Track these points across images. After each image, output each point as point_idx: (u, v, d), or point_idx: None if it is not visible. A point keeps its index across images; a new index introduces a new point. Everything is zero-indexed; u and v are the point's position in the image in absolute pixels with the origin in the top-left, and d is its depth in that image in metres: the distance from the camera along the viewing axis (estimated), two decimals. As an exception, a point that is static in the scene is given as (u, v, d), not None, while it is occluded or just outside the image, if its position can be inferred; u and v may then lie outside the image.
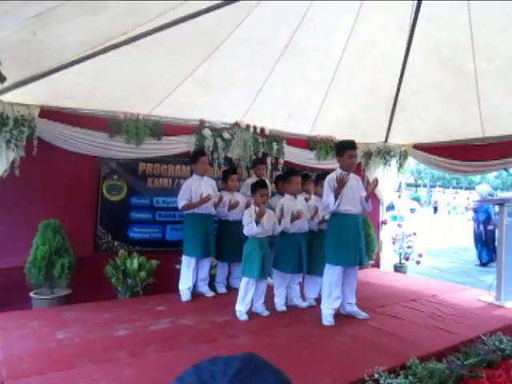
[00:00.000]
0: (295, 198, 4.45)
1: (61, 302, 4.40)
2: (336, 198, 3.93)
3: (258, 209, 3.98)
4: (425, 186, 30.36)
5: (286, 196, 4.49)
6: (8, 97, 4.19)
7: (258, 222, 3.93)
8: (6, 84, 4.00)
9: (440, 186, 32.91)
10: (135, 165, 5.33)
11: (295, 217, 4.20)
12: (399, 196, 11.50)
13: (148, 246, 5.39)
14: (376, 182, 4.09)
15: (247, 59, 4.93)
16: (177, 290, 4.74)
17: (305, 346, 3.42)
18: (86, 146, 4.79)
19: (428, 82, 5.45)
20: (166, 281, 4.99)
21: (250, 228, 3.97)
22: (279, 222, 4.15)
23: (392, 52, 5.20)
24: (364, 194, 4.16)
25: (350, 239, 3.99)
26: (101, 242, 5.17)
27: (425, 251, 9.92)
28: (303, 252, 4.34)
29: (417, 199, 28.16)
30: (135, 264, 4.74)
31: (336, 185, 3.92)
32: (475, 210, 10.21)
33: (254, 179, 5.24)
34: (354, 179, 4.17)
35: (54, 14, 3.17)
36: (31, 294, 4.37)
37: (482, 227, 9.62)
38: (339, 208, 3.98)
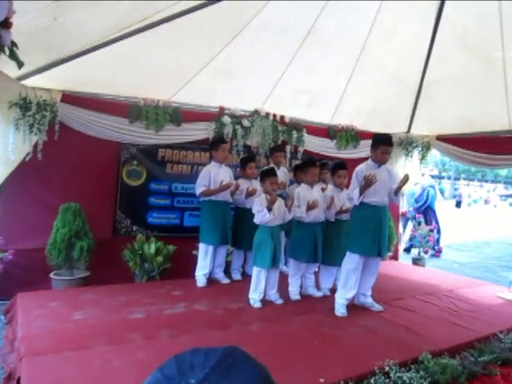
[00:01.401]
0: (311, 187, 4.43)
1: (79, 283, 4.50)
2: (361, 193, 3.91)
3: (268, 197, 3.97)
4: (449, 178, 29.72)
5: (303, 185, 4.47)
6: (31, 81, 4.26)
7: (269, 210, 3.93)
8: (29, 69, 4.09)
9: (465, 179, 32.18)
10: (154, 151, 5.37)
11: (311, 206, 4.18)
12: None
13: (166, 232, 5.45)
14: (407, 177, 4.04)
15: (268, 46, 4.88)
16: (193, 276, 4.79)
17: (317, 336, 3.43)
18: (106, 131, 4.85)
19: (453, 71, 5.30)
20: (182, 266, 5.05)
21: (261, 216, 3.96)
22: (289, 208, 4.13)
23: (417, 40, 5.07)
24: (395, 186, 4.09)
25: (371, 230, 3.96)
26: (120, 226, 5.25)
27: (445, 245, 9.80)
28: (318, 242, 4.33)
29: (440, 192, 27.58)
30: (152, 249, 4.81)
31: (363, 181, 3.89)
32: None
33: (272, 167, 5.23)
34: (385, 171, 4.12)
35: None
36: (51, 275, 4.49)
37: None
38: (364, 199, 3.97)
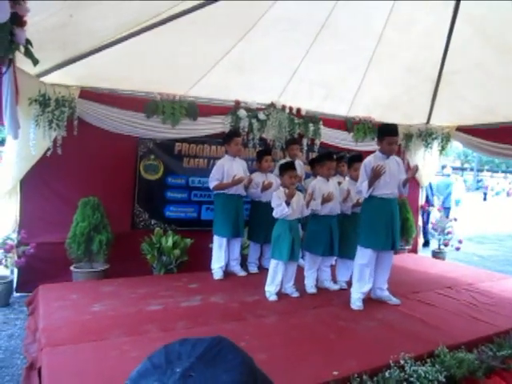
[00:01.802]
0: (327, 180, 4.40)
1: (99, 276, 4.60)
2: (370, 186, 3.86)
3: (286, 190, 3.96)
4: (472, 169, 29.05)
5: (318, 178, 4.45)
6: (49, 78, 4.35)
7: (288, 204, 3.92)
8: (48, 66, 4.17)
9: (488, 171, 31.42)
10: (171, 145, 5.42)
11: (326, 199, 4.16)
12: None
13: (184, 225, 5.51)
14: (416, 168, 3.97)
15: (283, 39, 4.86)
16: (210, 269, 4.84)
17: (332, 329, 3.42)
18: (123, 126, 4.91)
19: (472, 60, 5.17)
20: (200, 259, 5.10)
21: (280, 210, 3.97)
22: (307, 204, 4.12)
23: (435, 30, 4.97)
24: (404, 177, 4.04)
25: (383, 223, 3.91)
26: (138, 220, 5.33)
27: (466, 237, 9.63)
28: (334, 234, 4.31)
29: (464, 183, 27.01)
30: (170, 242, 4.87)
31: (372, 173, 3.84)
32: None
33: (287, 160, 5.22)
34: (394, 162, 4.06)
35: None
36: (71, 268, 4.59)
37: None
38: (374, 192, 3.91)
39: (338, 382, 2.54)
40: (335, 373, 2.66)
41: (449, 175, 10.91)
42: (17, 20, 1.83)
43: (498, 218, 14.98)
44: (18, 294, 4.63)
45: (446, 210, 9.86)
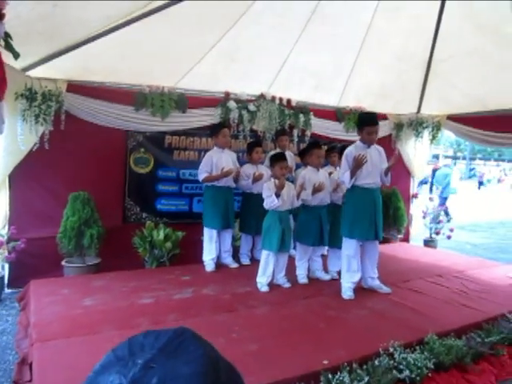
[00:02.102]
0: (317, 170, 4.40)
1: (90, 270, 4.59)
2: (352, 176, 3.86)
3: (277, 181, 3.96)
4: (464, 158, 29.16)
5: (309, 168, 4.45)
6: (35, 72, 4.30)
7: (278, 195, 3.92)
8: (33, 59, 4.12)
9: (480, 159, 31.56)
10: (161, 138, 5.38)
11: (317, 189, 4.17)
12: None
13: (175, 218, 5.50)
14: (397, 157, 3.97)
15: (271, 28, 4.82)
16: (202, 261, 4.85)
17: (322, 319, 3.45)
18: (112, 119, 4.88)
19: (463, 47, 5.16)
20: (192, 252, 5.11)
21: (270, 201, 3.97)
22: (298, 195, 4.12)
23: (424, 15, 4.94)
24: (385, 166, 4.04)
25: (366, 213, 3.93)
26: (129, 213, 5.31)
27: (459, 226, 9.70)
28: (324, 225, 4.33)
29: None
30: (161, 235, 4.86)
31: (354, 163, 3.84)
32: None
33: (277, 151, 5.22)
34: (375, 151, 4.06)
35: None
36: (63, 263, 4.58)
37: None
38: (356, 182, 3.92)
39: (327, 370, 2.56)
40: (325, 362, 2.68)
41: (449, 166, 11.08)
42: (-5, 13, 1.81)
43: (490, 206, 15.07)
44: (10, 290, 4.61)
45: (444, 199, 10.32)
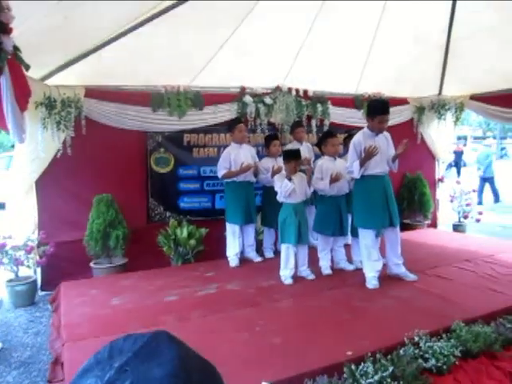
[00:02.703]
0: (334, 159, 4.36)
1: (118, 270, 4.70)
2: (361, 166, 3.80)
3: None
4: (494, 137, 28.21)
5: (325, 157, 4.42)
6: (53, 80, 4.40)
7: (289, 179, 3.95)
8: (50, 68, 4.23)
9: (511, 138, 30.48)
10: (180, 136, 5.44)
11: (334, 179, 4.12)
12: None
13: (199, 215, 5.55)
14: (405, 144, 3.86)
15: (283, 20, 4.78)
16: (226, 257, 4.89)
17: (347, 309, 3.43)
18: (130, 121, 4.96)
19: (481, 23, 4.97)
20: (216, 248, 5.17)
21: (284, 187, 3.95)
22: (309, 184, 4.12)
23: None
24: (393, 152, 3.96)
25: (378, 201, 3.86)
26: (153, 213, 5.39)
27: (489, 208, 9.44)
28: (344, 214, 4.29)
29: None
30: (185, 233, 4.93)
31: (363, 153, 3.77)
32: None
33: (294, 144, 5.20)
34: (382, 139, 3.96)
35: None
36: (91, 264, 4.71)
37: None
38: (365, 171, 3.86)
39: (351, 361, 2.55)
40: (349, 353, 2.67)
41: (490, 146, 11.17)
42: (2, 28, 1.86)
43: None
44: (44, 293, 4.78)
45: (486, 180, 10.72)
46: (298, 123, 5.47)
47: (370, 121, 3.95)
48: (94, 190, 4.83)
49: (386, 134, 4.03)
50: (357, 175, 3.88)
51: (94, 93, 4.78)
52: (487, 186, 10.99)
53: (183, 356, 0.54)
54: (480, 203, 10.34)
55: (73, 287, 4.17)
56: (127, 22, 4.01)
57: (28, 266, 4.53)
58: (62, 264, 4.76)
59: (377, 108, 3.94)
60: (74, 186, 4.88)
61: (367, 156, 3.75)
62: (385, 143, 3.96)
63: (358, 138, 3.96)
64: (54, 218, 4.80)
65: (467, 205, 6.79)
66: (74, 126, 4.58)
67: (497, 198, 10.90)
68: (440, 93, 6.56)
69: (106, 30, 4.06)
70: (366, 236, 3.96)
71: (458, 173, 15.40)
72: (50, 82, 4.44)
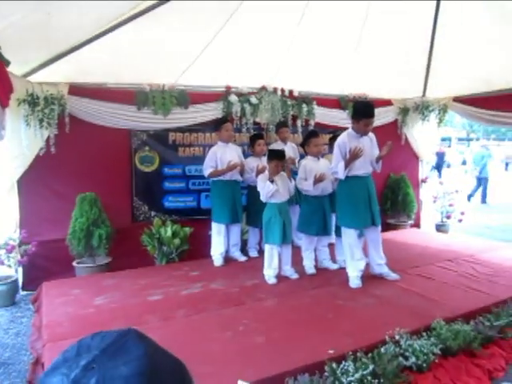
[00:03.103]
0: (318, 159, 4.39)
1: (101, 270, 4.66)
2: (346, 167, 3.84)
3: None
4: (477, 139, 28.63)
5: (309, 157, 4.44)
6: (36, 77, 4.34)
7: (271, 181, 3.95)
8: (33, 65, 4.17)
9: (495, 139, 30.90)
10: (165, 135, 5.40)
11: (318, 180, 4.15)
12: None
13: (184, 215, 5.52)
14: (389, 146, 3.91)
15: (268, 20, 4.78)
16: (211, 256, 4.89)
17: (330, 308, 3.46)
18: (115, 119, 4.92)
19: (464, 27, 5.04)
20: (202, 247, 5.16)
21: (266, 188, 3.97)
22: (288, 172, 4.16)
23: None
24: (377, 152, 4.00)
25: (360, 201, 3.91)
26: (138, 212, 5.34)
27: (473, 208, 9.58)
28: (328, 214, 4.32)
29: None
30: (169, 232, 4.91)
31: (348, 154, 3.81)
32: None
33: (279, 143, 5.22)
34: (367, 140, 4.01)
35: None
36: (74, 264, 4.66)
37: None
38: (349, 172, 3.90)
39: (333, 360, 2.57)
40: (331, 351, 2.69)
41: (486, 146, 12.69)
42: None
43: (506, 187, 14.78)
44: (25, 293, 4.71)
45: (484, 179, 11.20)
46: (282, 123, 5.50)
47: (355, 123, 3.99)
48: (77, 189, 4.77)
49: (370, 134, 4.07)
50: (341, 176, 3.91)
51: (78, 90, 4.73)
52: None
53: (151, 354, 0.55)
54: (468, 199, 11.08)
55: (55, 287, 4.13)
56: (111, 19, 3.97)
57: (9, 266, 4.46)
58: (44, 263, 4.70)
59: (362, 111, 3.97)
60: (57, 185, 4.82)
61: (352, 157, 3.78)
62: (369, 144, 4.00)
63: (342, 138, 3.99)
64: (36, 217, 4.73)
65: (450, 205, 6.89)
66: (57, 124, 4.53)
67: (484, 199, 11.18)
68: (424, 94, 6.64)
69: (90, 27, 4.01)
70: (349, 235, 4.00)
71: (440, 174, 15.68)
72: (33, 78, 4.38)
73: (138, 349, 0.54)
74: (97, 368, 0.51)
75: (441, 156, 15.85)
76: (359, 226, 3.97)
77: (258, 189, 4.07)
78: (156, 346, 0.58)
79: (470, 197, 11.26)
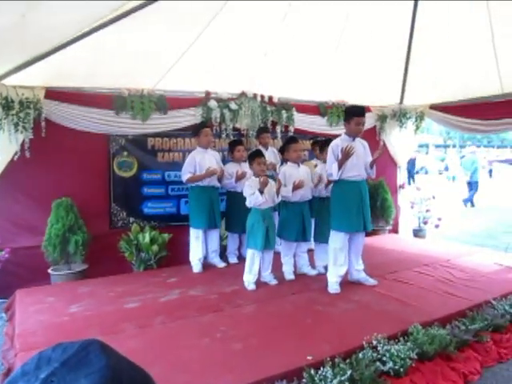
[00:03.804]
0: (298, 165, 4.41)
1: (77, 277, 4.57)
2: (339, 168, 3.88)
3: (260, 179, 3.95)
4: (454, 146, 29.24)
5: (288, 164, 4.45)
6: (10, 80, 4.25)
7: (261, 192, 3.92)
8: (7, 68, 4.08)
9: (470, 146, 31.60)
10: (144, 140, 5.35)
11: (297, 186, 4.16)
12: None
13: (163, 221, 5.45)
14: (382, 148, 4.00)
15: (248, 26, 4.80)
16: (190, 262, 4.84)
17: (309, 314, 3.46)
18: (92, 124, 4.85)
19: (441, 35, 5.16)
20: (181, 253, 5.11)
21: (254, 198, 3.96)
22: (278, 191, 4.13)
23: (400, 8, 4.95)
24: (370, 159, 4.07)
25: (353, 206, 3.95)
26: (116, 219, 5.25)
27: (449, 214, 9.75)
28: (306, 220, 4.34)
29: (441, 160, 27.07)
30: (147, 238, 4.85)
31: (340, 155, 3.86)
32: None
33: (260, 149, 5.22)
34: (359, 144, 4.08)
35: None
36: (49, 271, 4.56)
37: None
38: (342, 175, 3.94)
39: (311, 366, 2.57)
40: (309, 357, 2.69)
41: (474, 152, 13.54)
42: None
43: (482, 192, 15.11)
44: (-2, 301, 4.58)
45: (475, 183, 11.83)
46: (263, 129, 5.51)
47: (346, 125, 4.09)
48: (53, 194, 4.67)
49: (363, 141, 4.17)
50: (335, 177, 3.96)
51: (54, 94, 4.64)
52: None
53: (113, 366, 0.53)
54: (465, 204, 11.91)
55: (29, 295, 4.03)
56: (90, 22, 3.91)
57: (-19, 273, 4.34)
58: (18, 271, 4.58)
59: (353, 111, 4.11)
60: (33, 190, 4.70)
61: (344, 156, 3.84)
62: (361, 149, 4.08)
63: (335, 142, 4.08)
64: (10, 223, 4.62)
65: (427, 211, 6.99)
66: (33, 128, 4.44)
67: (467, 202, 11.80)
68: (401, 102, 6.75)
69: (68, 30, 3.95)
70: (338, 239, 4.02)
71: (411, 180, 16.11)
72: (8, 81, 4.28)
73: (100, 360, 0.53)
74: (56, 381, 0.50)
75: (412, 162, 16.33)
76: (350, 229, 4.01)
77: (245, 194, 4.05)
78: (120, 358, 0.56)
79: (466, 201, 11.91)
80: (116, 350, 0.57)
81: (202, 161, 4.70)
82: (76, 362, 0.52)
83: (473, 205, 11.91)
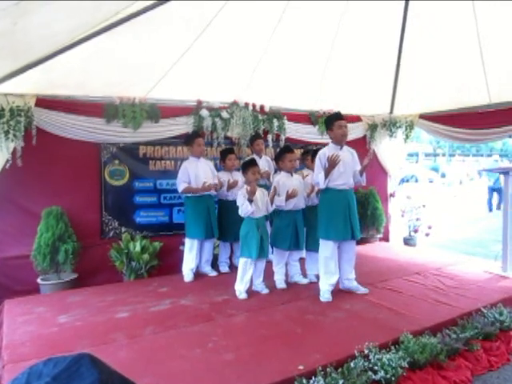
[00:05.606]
0: (291, 174, 4.42)
1: (67, 286, 4.52)
2: (326, 176, 3.90)
3: (248, 188, 3.96)
4: (444, 155, 29.54)
5: (282, 173, 4.46)
6: (1, 88, 4.22)
7: (250, 201, 3.92)
8: (-2, 76, 4.06)
9: (460, 155, 31.97)
10: (135, 149, 5.33)
11: (290, 195, 4.17)
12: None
13: (156, 230, 5.42)
14: (371, 155, 4.04)
15: (240, 35, 4.83)
16: (181, 272, 4.82)
17: (300, 323, 3.45)
18: (83, 132, 4.83)
19: (431, 45, 5.24)
20: (173, 262, 5.09)
21: (244, 208, 3.97)
22: (271, 200, 4.14)
23: (390, 19, 5.03)
24: (358, 168, 4.09)
25: (341, 214, 3.97)
26: (107, 228, 5.18)
27: (439, 223, 9.83)
28: (300, 229, 4.35)
29: (435, 169, 27.32)
30: (138, 247, 4.82)
31: (327, 163, 3.88)
32: None
33: (254, 157, 5.24)
34: (348, 153, 4.11)
35: (34, 1, 3.15)
36: (38, 280, 4.50)
37: None
38: (330, 183, 3.96)
39: (302, 376, 2.56)
40: (301, 367, 2.68)
41: (496, 161, 14.24)
42: None
43: (471, 201, 15.27)
44: (-15, 311, 4.51)
45: (498, 189, 12.47)
46: (256, 135, 5.54)
47: (330, 133, 4.12)
48: (44, 203, 4.62)
49: (350, 149, 4.20)
50: (322, 185, 3.97)
51: (45, 102, 4.62)
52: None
53: (105, 380, 0.53)
54: (490, 210, 12.76)
55: (17, 305, 3.97)
56: (82, 30, 3.91)
57: (-32, 283, 4.28)
58: (5, 281, 4.52)
59: (332, 117, 4.18)
60: (23, 199, 4.65)
61: (331, 164, 3.86)
62: (349, 157, 4.10)
63: (323, 151, 4.10)
64: (-1, 232, 4.57)
65: (417, 219, 7.04)
66: (23, 136, 4.41)
67: (497, 208, 12.53)
68: (391, 111, 6.82)
69: (60, 38, 3.94)
70: (326, 248, 4.03)
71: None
72: (-2, 89, 4.26)
73: (92, 374, 0.53)
74: None
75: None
76: (338, 238, 4.02)
77: (238, 203, 4.05)
78: (111, 372, 0.56)
79: (491, 206, 12.78)
80: (107, 364, 0.57)
81: (195, 170, 4.70)
82: (67, 376, 0.52)
83: (491, 209, 12.73)
